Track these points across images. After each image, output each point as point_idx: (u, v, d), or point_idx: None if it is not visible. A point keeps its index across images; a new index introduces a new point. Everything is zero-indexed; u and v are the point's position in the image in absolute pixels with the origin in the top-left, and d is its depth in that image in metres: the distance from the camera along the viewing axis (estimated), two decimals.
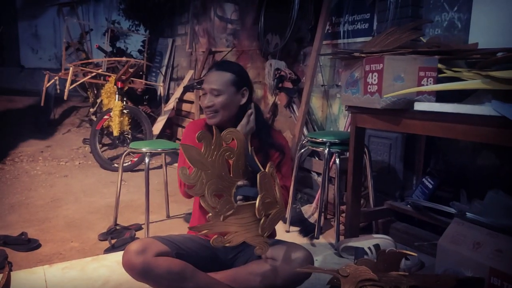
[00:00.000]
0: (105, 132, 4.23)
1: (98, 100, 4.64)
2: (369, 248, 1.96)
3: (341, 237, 2.17)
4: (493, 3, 1.93)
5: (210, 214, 1.25)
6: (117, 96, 3.93)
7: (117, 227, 2.41)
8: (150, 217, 2.34)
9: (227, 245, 1.27)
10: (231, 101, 1.52)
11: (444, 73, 1.66)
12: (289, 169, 1.61)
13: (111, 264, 1.96)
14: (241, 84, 1.54)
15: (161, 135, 4.67)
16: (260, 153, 1.52)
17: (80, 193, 3.17)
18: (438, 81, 1.67)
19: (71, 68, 4.28)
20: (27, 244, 2.16)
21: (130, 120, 3.97)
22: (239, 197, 1.34)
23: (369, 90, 1.73)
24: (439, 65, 1.69)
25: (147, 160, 2.30)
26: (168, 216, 2.70)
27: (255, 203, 1.25)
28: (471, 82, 1.48)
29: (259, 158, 1.49)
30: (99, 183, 3.47)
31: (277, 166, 1.55)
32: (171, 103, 4.98)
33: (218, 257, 1.59)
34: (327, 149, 2.23)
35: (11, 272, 1.31)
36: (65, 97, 4.18)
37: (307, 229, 2.39)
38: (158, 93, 5.47)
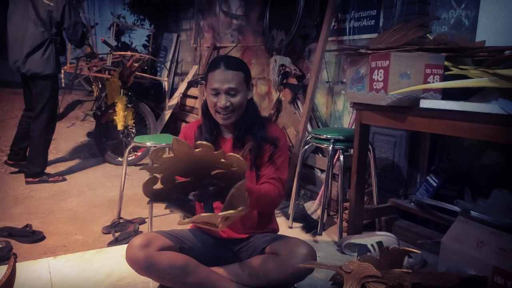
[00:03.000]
0: (110, 126, 4.24)
1: (103, 94, 4.65)
2: (371, 245, 1.96)
3: (344, 234, 2.17)
4: (501, 1, 1.91)
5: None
6: (121, 90, 3.94)
7: (121, 221, 2.42)
8: (154, 211, 2.34)
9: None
10: (245, 99, 1.50)
11: (451, 70, 1.65)
12: (285, 162, 1.56)
13: (115, 257, 1.97)
14: (249, 80, 1.54)
15: (165, 130, 4.68)
16: (254, 146, 1.51)
17: (84, 187, 3.18)
18: (444, 78, 1.66)
19: (76, 62, 4.28)
20: (32, 236, 2.17)
21: (134, 115, 3.98)
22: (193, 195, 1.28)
23: (374, 87, 1.72)
24: (446, 63, 1.68)
25: None
26: (172, 211, 2.71)
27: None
28: (478, 80, 1.47)
29: (253, 152, 1.49)
30: (103, 177, 3.48)
31: (271, 158, 1.53)
32: (175, 98, 4.99)
33: (221, 251, 1.59)
34: (331, 145, 2.22)
35: (16, 264, 1.32)
36: (69, 91, 4.18)
37: (310, 226, 2.39)
38: (163, 88, 5.47)
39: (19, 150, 3.38)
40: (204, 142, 1.14)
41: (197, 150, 1.13)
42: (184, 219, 1.19)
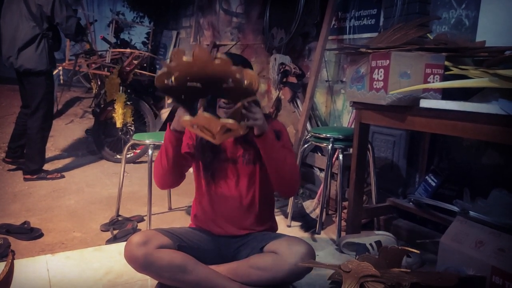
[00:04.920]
0: (108, 123, 4.23)
1: (102, 91, 4.64)
2: (370, 244, 1.96)
3: (343, 233, 2.17)
4: (502, 1, 1.91)
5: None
6: (121, 87, 3.93)
7: (119, 218, 2.42)
8: (152, 209, 2.34)
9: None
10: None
11: (451, 70, 1.65)
12: (290, 149, 1.57)
13: (113, 254, 1.97)
14: None
15: (164, 127, 4.67)
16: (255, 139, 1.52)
17: (83, 184, 3.18)
18: (444, 78, 1.66)
19: (75, 59, 4.27)
20: (30, 233, 2.17)
21: (133, 112, 3.97)
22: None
23: (374, 86, 1.72)
24: (446, 63, 1.68)
25: (150, 152, 2.30)
26: (170, 208, 2.71)
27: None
28: (478, 80, 1.47)
29: (255, 145, 1.49)
30: (102, 174, 3.48)
31: None
32: None
33: (220, 250, 1.59)
34: (331, 144, 2.22)
35: (14, 261, 1.32)
36: (68, 87, 4.17)
37: (308, 224, 2.39)
38: None
39: (17, 147, 3.36)
40: (224, 56, 1.17)
41: (216, 60, 1.16)
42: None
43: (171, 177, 1.52)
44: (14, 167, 3.41)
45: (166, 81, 1.21)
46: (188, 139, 1.58)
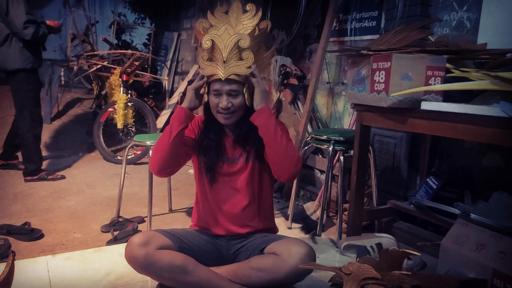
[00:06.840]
0: (109, 124, 4.24)
1: (103, 92, 4.65)
2: (371, 246, 1.96)
3: (343, 235, 2.16)
4: (503, 3, 1.91)
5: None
6: (122, 88, 3.93)
7: (120, 219, 2.41)
8: (153, 210, 2.34)
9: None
10: (246, 100, 1.48)
11: (452, 72, 1.65)
12: None
13: (113, 255, 1.97)
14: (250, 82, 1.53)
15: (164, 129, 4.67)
16: (254, 140, 1.51)
17: (83, 185, 3.18)
18: (445, 80, 1.66)
19: (76, 60, 4.28)
20: (30, 234, 2.17)
21: (134, 113, 3.97)
22: None
23: (375, 88, 1.72)
24: (447, 65, 1.67)
25: (151, 153, 2.30)
26: (171, 210, 2.71)
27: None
28: (479, 82, 1.47)
29: (254, 145, 1.51)
30: (102, 175, 3.48)
31: None
32: (175, 97, 4.98)
33: (220, 251, 1.59)
34: (332, 146, 2.22)
35: (15, 261, 1.32)
36: (69, 88, 4.18)
37: (309, 226, 2.39)
38: (163, 86, 5.47)
39: (9, 147, 3.40)
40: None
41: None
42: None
43: (168, 159, 1.46)
44: (9, 167, 3.42)
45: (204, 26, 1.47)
46: (194, 127, 1.59)
